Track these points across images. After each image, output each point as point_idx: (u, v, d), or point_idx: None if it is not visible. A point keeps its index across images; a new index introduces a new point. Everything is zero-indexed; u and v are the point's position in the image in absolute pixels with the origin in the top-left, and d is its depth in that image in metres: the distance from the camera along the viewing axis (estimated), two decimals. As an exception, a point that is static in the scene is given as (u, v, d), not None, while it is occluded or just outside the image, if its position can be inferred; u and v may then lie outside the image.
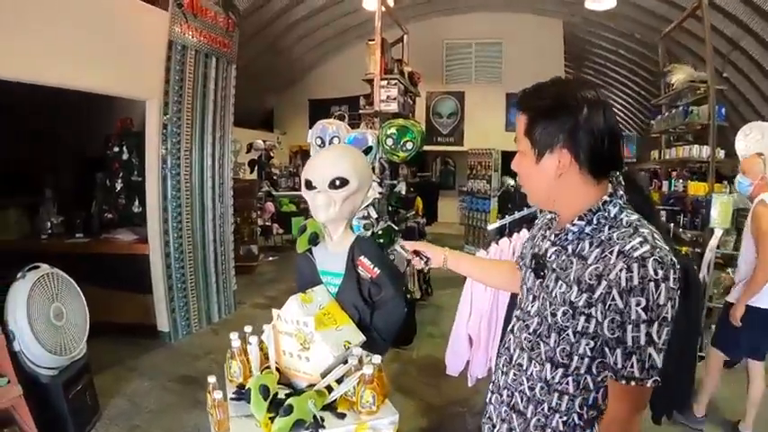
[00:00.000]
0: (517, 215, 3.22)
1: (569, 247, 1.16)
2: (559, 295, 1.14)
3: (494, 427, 1.37)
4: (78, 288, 2.96)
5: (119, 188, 4.82)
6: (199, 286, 4.97)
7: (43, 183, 4.82)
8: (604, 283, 1.05)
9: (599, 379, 1.15)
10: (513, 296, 2.73)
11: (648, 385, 1.04)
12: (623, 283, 1.02)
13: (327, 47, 12.41)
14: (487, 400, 1.43)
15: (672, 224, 5.15)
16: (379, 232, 2.04)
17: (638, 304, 1.01)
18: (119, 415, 3.31)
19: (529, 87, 1.21)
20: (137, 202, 4.78)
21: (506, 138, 10.97)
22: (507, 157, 8.38)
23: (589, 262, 1.09)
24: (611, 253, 1.06)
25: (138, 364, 4.08)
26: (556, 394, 1.19)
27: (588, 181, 1.15)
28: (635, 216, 1.14)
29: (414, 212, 6.13)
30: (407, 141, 3.23)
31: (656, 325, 1.02)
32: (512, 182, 8.37)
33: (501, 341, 1.47)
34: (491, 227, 3.50)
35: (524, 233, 2.97)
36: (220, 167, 5.22)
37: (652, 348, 1.03)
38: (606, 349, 1.08)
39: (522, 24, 11.86)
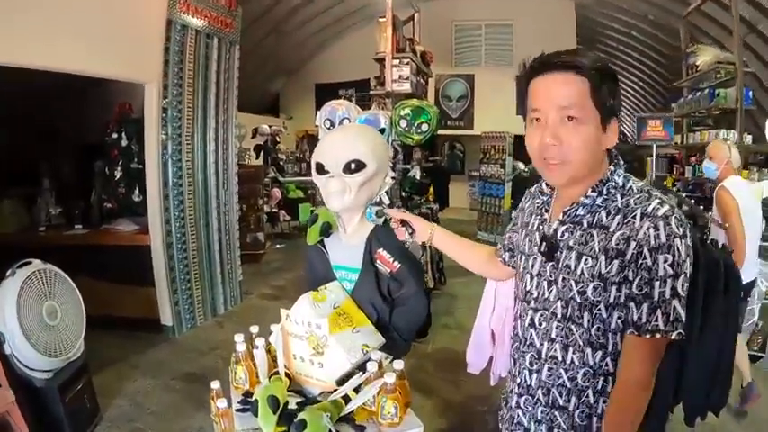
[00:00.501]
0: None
1: (584, 222, 1.15)
2: (587, 271, 1.12)
3: (527, 431, 1.29)
4: (73, 284, 2.76)
5: (118, 176, 4.62)
6: (203, 277, 4.78)
7: (40, 173, 4.62)
8: (633, 243, 1.06)
9: None
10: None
11: (673, 337, 1.06)
12: (652, 242, 1.04)
13: (333, 30, 12.24)
14: (513, 405, 1.35)
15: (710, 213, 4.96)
16: (389, 218, 1.83)
17: (665, 261, 1.04)
18: (120, 417, 3.14)
19: (565, 51, 1.15)
20: (137, 191, 4.58)
21: (518, 122, 10.69)
22: (520, 140, 8.17)
23: (612, 230, 1.10)
24: (633, 217, 1.08)
25: (140, 360, 3.90)
26: (601, 378, 1.17)
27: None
28: (641, 182, 1.16)
29: (425, 198, 5.93)
30: (422, 123, 3.04)
31: (680, 279, 1.05)
32: (522, 166, 8.17)
33: (514, 343, 1.38)
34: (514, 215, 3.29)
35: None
36: (224, 153, 5.00)
37: (676, 301, 1.05)
38: (632, 304, 1.08)
39: (532, 5, 11.59)
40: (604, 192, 1.14)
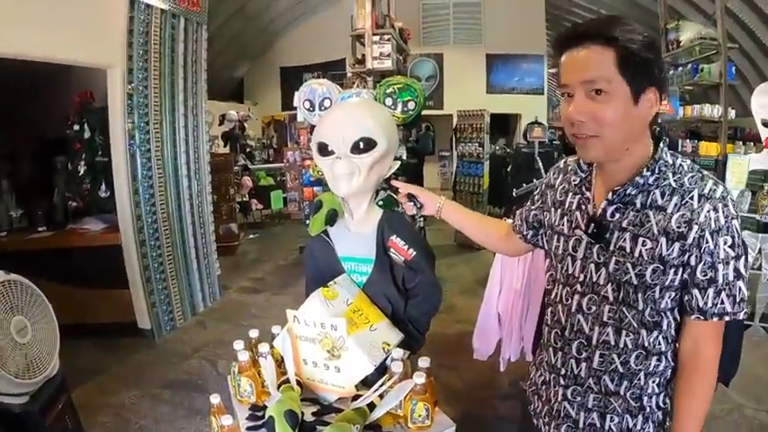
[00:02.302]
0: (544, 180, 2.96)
1: (636, 202, 1.10)
2: (645, 253, 1.08)
3: (576, 423, 1.24)
4: (42, 294, 2.47)
5: (82, 171, 4.29)
6: (179, 275, 4.52)
7: (-2, 173, 4.28)
8: (696, 227, 1.04)
9: (677, 328, 1.15)
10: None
11: (741, 317, 1.08)
12: (713, 225, 1.03)
13: (297, 11, 11.95)
14: (556, 398, 1.27)
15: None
16: (380, 203, 1.73)
17: (725, 243, 1.04)
18: (105, 435, 2.89)
19: (595, 19, 1.10)
20: (103, 186, 4.27)
21: (488, 101, 10.72)
22: (494, 119, 8.11)
23: (669, 211, 1.06)
24: (691, 198, 1.05)
25: (121, 370, 3.63)
26: (654, 358, 1.15)
27: (647, 125, 1.11)
28: (688, 161, 1.14)
29: (405, 180, 5.76)
30: (409, 101, 2.92)
31: (742, 260, 1.06)
32: (493, 144, 8.15)
33: (552, 330, 1.29)
34: (517, 192, 3.19)
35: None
36: (195, 141, 4.71)
37: (741, 282, 1.06)
38: (696, 291, 1.07)
39: (501, -17, 11.47)
40: (656, 170, 1.09)
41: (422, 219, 6.21)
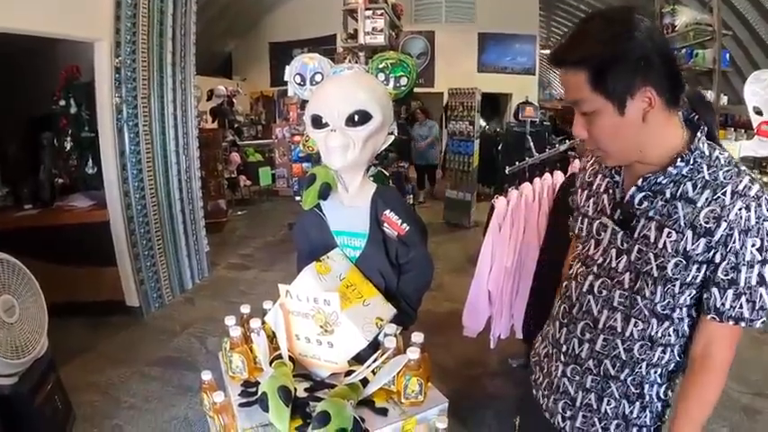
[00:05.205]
0: (537, 158, 3.08)
1: (667, 192, 1.06)
2: (670, 245, 1.04)
3: (573, 401, 1.24)
4: (29, 273, 2.42)
5: (68, 148, 4.20)
6: (168, 251, 4.49)
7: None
8: (724, 224, 0.99)
9: (692, 323, 1.11)
10: (543, 251, 2.61)
11: (758, 326, 1.04)
12: (743, 224, 0.98)
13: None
14: (556, 372, 1.28)
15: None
16: (370, 179, 1.72)
17: (753, 245, 0.99)
18: (94, 414, 2.84)
19: (561, 41, 1.07)
20: (90, 162, 4.18)
21: (479, 79, 10.64)
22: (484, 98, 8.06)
23: (699, 205, 1.02)
24: (723, 194, 1.00)
25: (109, 348, 3.59)
26: (659, 348, 1.12)
27: (670, 113, 1.04)
28: (726, 153, 1.07)
29: (396, 156, 5.74)
30: (402, 76, 2.90)
31: (767, 265, 1.00)
32: (483, 123, 8.10)
33: (562, 305, 1.29)
34: (510, 170, 3.17)
35: (548, 177, 2.81)
36: (183, 115, 4.63)
37: (763, 289, 1.01)
38: (715, 290, 1.03)
39: (494, -39, 11.32)
40: (691, 161, 1.04)
41: (411, 196, 6.17)
